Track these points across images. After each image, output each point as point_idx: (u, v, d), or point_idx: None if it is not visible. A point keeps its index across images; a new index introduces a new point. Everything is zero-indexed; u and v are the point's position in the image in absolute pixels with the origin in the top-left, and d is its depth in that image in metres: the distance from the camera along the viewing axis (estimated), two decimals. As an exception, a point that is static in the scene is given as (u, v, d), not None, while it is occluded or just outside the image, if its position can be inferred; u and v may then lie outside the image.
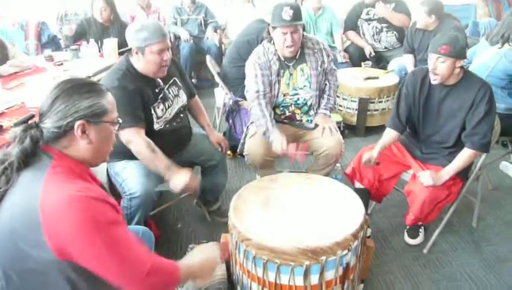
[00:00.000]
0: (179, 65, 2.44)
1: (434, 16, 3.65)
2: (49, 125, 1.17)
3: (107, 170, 2.31)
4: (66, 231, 1.07)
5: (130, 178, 2.10)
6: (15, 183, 1.14)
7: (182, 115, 2.35)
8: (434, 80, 2.17)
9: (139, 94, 2.07)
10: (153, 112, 2.15)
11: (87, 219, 1.07)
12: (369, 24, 4.44)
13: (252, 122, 2.59)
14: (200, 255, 1.47)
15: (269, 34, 2.47)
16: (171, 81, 2.28)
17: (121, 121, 1.33)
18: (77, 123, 1.18)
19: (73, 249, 1.08)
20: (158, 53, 2.04)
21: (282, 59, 2.48)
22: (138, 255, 1.16)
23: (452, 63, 2.09)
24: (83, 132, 1.19)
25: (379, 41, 4.47)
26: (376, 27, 4.42)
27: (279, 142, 2.33)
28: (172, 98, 2.26)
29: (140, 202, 2.06)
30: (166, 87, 2.23)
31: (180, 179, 2.02)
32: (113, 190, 2.32)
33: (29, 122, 1.21)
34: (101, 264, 1.11)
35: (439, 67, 2.11)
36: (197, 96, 2.57)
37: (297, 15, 2.31)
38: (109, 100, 1.27)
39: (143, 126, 2.08)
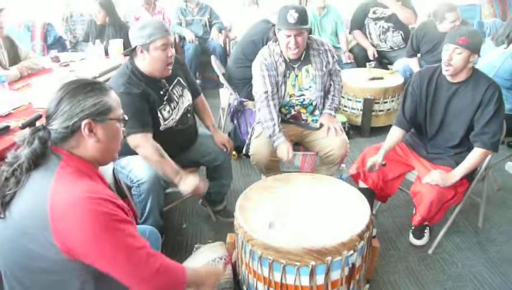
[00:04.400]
0: (182, 63, 2.44)
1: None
2: (56, 126, 1.18)
3: (113, 169, 2.33)
4: (74, 232, 1.08)
5: (136, 167, 2.13)
6: (25, 184, 1.15)
7: (188, 115, 2.36)
8: (446, 70, 2.16)
9: (145, 98, 2.09)
10: (159, 114, 2.17)
11: (95, 219, 1.08)
12: (376, 23, 4.43)
13: (258, 123, 2.60)
14: (205, 266, 1.49)
15: (275, 35, 2.47)
16: (175, 81, 2.29)
17: (126, 118, 1.34)
18: (84, 122, 1.19)
19: (82, 249, 1.09)
20: (162, 49, 2.06)
21: (288, 60, 2.49)
22: (146, 255, 1.17)
23: (468, 55, 2.09)
24: (90, 130, 1.20)
25: (385, 41, 4.46)
26: (383, 27, 4.41)
27: (285, 150, 2.38)
28: (177, 99, 2.27)
29: (148, 186, 2.08)
30: (170, 88, 2.24)
31: (189, 183, 2.10)
32: (120, 191, 2.34)
33: (37, 124, 1.23)
34: (110, 263, 1.12)
35: (454, 59, 2.11)
36: (202, 95, 2.57)
37: (302, 19, 2.31)
38: (113, 98, 1.28)
39: (150, 131, 2.10)
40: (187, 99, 2.34)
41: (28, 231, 1.12)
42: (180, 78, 2.32)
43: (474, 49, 2.09)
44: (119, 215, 1.14)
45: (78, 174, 1.17)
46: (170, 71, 2.18)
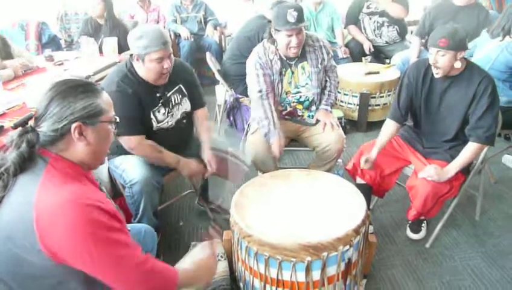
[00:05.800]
0: (191, 72, 2.37)
1: None
2: (45, 129, 1.15)
3: (108, 168, 2.32)
4: (59, 236, 1.06)
5: (129, 168, 2.12)
6: (12, 188, 1.13)
7: (184, 121, 2.33)
8: (436, 73, 2.16)
9: (137, 98, 2.08)
10: (152, 116, 2.15)
11: (82, 226, 1.06)
12: (370, 18, 4.41)
13: (253, 119, 2.59)
14: (195, 259, 1.44)
15: (270, 35, 2.46)
16: (176, 88, 2.26)
17: (118, 120, 1.30)
18: (73, 125, 1.15)
19: (67, 254, 1.08)
20: (158, 61, 2.02)
21: (284, 58, 2.48)
22: (135, 263, 1.13)
23: (452, 55, 2.08)
24: (80, 133, 1.17)
25: (380, 36, 4.44)
26: (377, 22, 4.39)
27: (275, 148, 2.41)
28: (172, 105, 2.24)
29: (140, 187, 2.07)
30: (169, 93, 2.22)
31: (187, 169, 2.21)
32: (116, 190, 2.33)
33: (26, 126, 1.19)
34: (97, 269, 1.10)
35: (439, 61, 2.10)
36: (205, 109, 2.45)
37: (301, 16, 2.32)
38: (105, 99, 1.24)
39: (144, 133, 2.11)
40: (184, 107, 2.30)
41: (14, 236, 1.09)
42: (182, 86, 2.28)
43: (457, 47, 2.06)
44: (107, 222, 1.10)
45: (65, 178, 1.13)
46: (166, 80, 2.14)
